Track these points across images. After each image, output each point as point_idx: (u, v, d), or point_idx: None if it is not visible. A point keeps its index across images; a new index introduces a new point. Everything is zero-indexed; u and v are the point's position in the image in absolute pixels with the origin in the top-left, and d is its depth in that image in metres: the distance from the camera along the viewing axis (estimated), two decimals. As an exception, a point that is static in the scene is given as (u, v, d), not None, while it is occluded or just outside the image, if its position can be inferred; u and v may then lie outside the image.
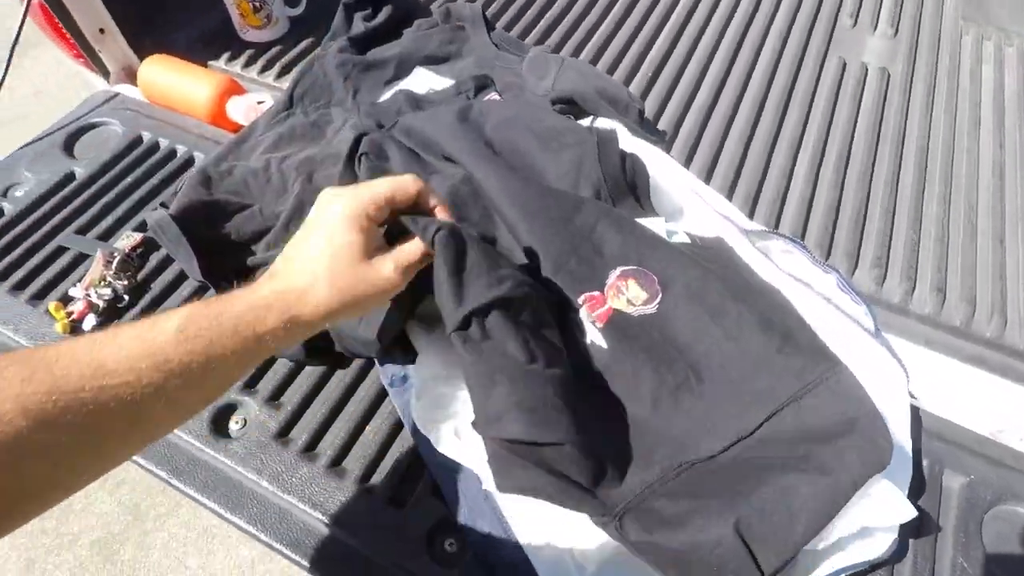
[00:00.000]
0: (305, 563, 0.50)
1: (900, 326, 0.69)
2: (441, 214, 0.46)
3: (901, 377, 0.58)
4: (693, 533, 0.43)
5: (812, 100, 0.90)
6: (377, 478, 0.54)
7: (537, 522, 0.49)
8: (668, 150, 0.81)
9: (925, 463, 0.56)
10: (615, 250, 0.56)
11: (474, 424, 0.43)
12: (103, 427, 0.33)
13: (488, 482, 0.50)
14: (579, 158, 0.61)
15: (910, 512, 0.47)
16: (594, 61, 0.93)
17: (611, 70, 0.92)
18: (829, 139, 0.85)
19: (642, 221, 0.60)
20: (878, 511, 0.46)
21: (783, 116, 0.88)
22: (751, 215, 0.77)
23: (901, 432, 0.55)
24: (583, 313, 0.54)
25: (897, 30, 1.01)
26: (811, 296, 0.60)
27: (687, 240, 0.61)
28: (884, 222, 0.77)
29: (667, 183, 0.67)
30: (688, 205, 0.67)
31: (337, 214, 0.42)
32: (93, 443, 0.33)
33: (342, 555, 0.50)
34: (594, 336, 0.53)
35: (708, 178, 0.80)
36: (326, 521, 0.52)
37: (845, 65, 0.95)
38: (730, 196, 0.78)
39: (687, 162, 0.81)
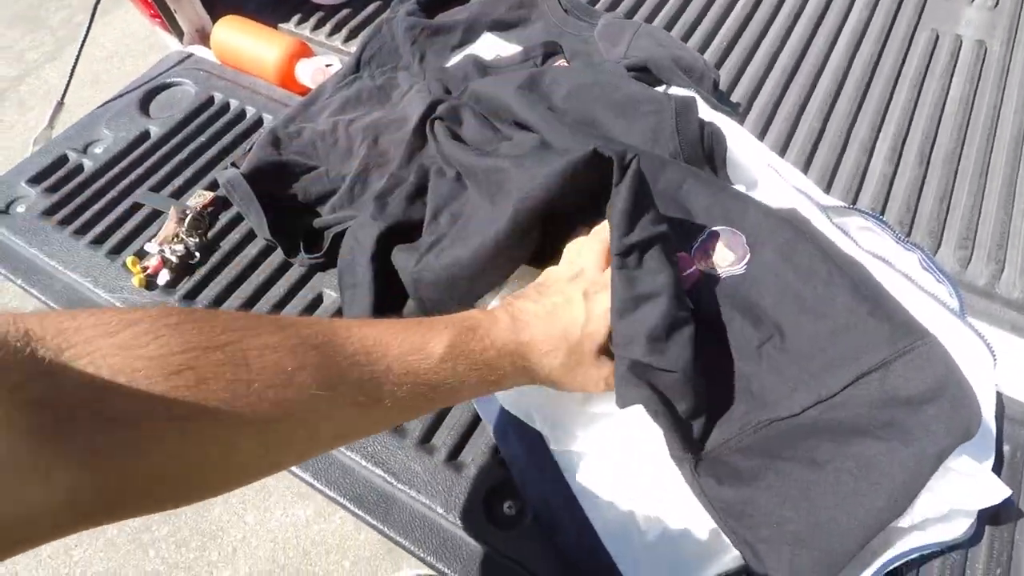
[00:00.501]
0: (368, 518, 0.51)
1: (985, 309, 0.65)
2: None
3: (987, 359, 0.54)
4: (762, 491, 0.43)
5: (899, 73, 0.85)
6: (438, 439, 0.54)
7: (600, 486, 0.48)
8: (742, 122, 0.78)
9: (1006, 449, 0.54)
10: (702, 209, 0.54)
11: (610, 343, 0.45)
12: (357, 421, 0.35)
13: (554, 441, 0.50)
14: (656, 126, 0.58)
15: (1003, 491, 0.45)
16: (668, 28, 0.89)
17: (685, 38, 0.88)
18: (916, 114, 0.80)
19: None
20: (965, 490, 0.44)
21: (867, 89, 0.83)
22: (828, 190, 0.73)
23: (986, 415, 0.52)
24: None
25: (998, 1, 0.94)
26: (892, 274, 0.57)
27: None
28: (972, 201, 0.72)
29: (742, 155, 0.65)
30: (763, 178, 0.65)
31: (599, 312, 0.45)
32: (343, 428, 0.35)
33: (403, 514, 0.51)
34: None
35: (783, 152, 0.77)
36: (387, 478, 0.52)
37: (938, 37, 0.89)
38: (806, 170, 0.75)
39: (762, 135, 0.78)
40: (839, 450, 0.43)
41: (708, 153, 0.60)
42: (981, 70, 0.85)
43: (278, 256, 0.67)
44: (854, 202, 0.73)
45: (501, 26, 0.87)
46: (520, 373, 0.42)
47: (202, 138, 0.78)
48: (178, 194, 0.72)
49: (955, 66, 0.86)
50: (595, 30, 0.81)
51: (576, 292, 0.45)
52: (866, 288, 0.50)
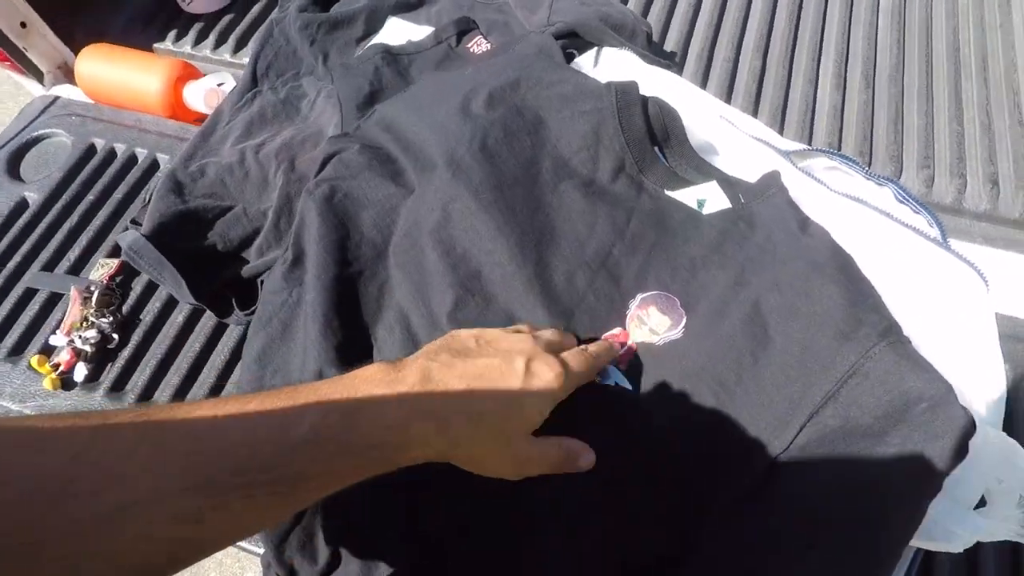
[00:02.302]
0: None
1: (956, 226, 0.64)
2: None
3: (979, 285, 0.53)
4: None
5: (826, -7, 0.81)
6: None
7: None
8: (681, 72, 0.73)
9: (1005, 368, 0.53)
10: (632, 277, 0.49)
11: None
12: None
13: None
14: (596, 126, 0.53)
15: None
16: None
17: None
18: (852, 35, 0.77)
19: (673, 194, 0.53)
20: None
21: (799, 17, 0.79)
22: (781, 131, 0.70)
23: (990, 344, 0.50)
24: None
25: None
26: (868, 213, 0.54)
27: (725, 205, 0.54)
28: (924, 118, 0.70)
29: (692, 114, 0.60)
30: (719, 135, 0.60)
31: (538, 390, 0.37)
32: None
33: None
34: (617, 378, 0.47)
35: (728, 97, 0.73)
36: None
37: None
38: (755, 112, 0.71)
39: (703, 82, 0.74)
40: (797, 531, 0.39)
41: (663, 133, 0.55)
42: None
43: (212, 316, 0.59)
44: (810, 137, 0.70)
45: (405, 7, 0.79)
46: (424, 447, 0.34)
47: (91, 196, 0.67)
48: (76, 268, 0.63)
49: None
50: (507, -2, 0.74)
51: (519, 359, 0.37)
52: (817, 301, 0.45)
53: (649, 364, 0.47)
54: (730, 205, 0.54)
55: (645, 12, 0.80)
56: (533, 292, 0.49)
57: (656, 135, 0.55)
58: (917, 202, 0.57)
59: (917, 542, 0.41)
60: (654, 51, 0.69)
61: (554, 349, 0.40)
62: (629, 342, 0.48)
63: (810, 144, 0.69)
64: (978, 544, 0.41)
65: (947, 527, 0.41)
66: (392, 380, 0.34)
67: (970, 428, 0.39)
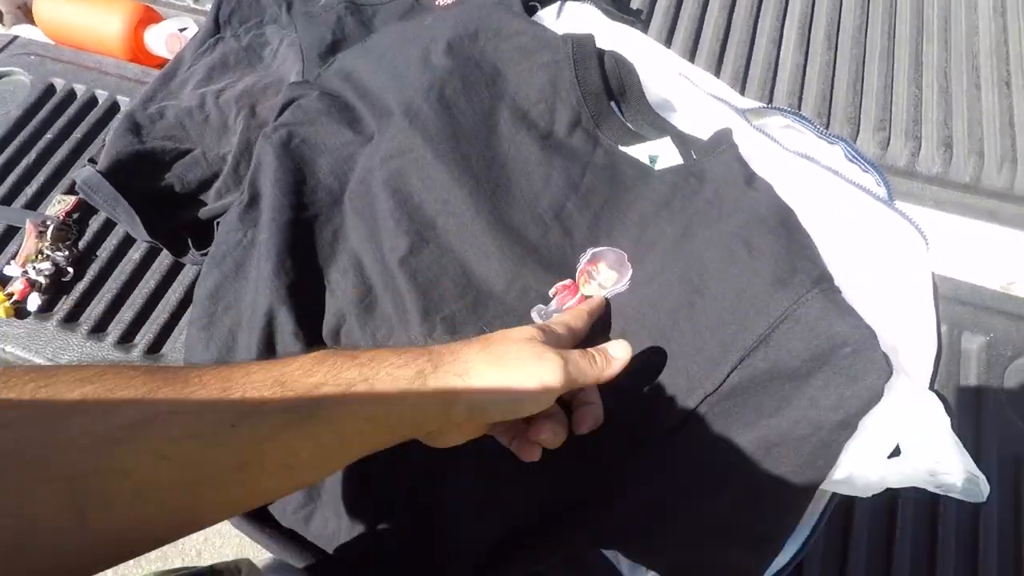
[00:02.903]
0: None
1: (908, 190, 0.66)
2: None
3: (920, 244, 0.54)
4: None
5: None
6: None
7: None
8: (646, 30, 0.73)
9: (943, 329, 0.54)
10: (584, 230, 0.51)
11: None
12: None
13: None
14: (553, 79, 0.53)
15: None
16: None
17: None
18: (817, -3, 0.78)
19: (627, 149, 0.54)
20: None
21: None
22: (743, 90, 0.70)
23: (925, 303, 0.51)
24: (554, 304, 0.49)
25: None
26: (817, 171, 0.55)
27: (677, 160, 0.54)
28: (883, 80, 0.71)
29: (651, 71, 0.60)
30: (676, 92, 0.61)
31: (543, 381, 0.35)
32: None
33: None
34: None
35: (692, 56, 0.73)
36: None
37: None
38: (718, 72, 0.72)
39: (668, 41, 0.74)
40: (721, 462, 0.40)
41: (620, 88, 0.55)
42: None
43: (168, 256, 0.60)
44: (771, 97, 0.70)
45: (372, -44, 0.78)
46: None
47: (49, 135, 0.67)
48: (34, 204, 0.63)
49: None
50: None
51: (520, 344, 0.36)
52: (760, 242, 0.46)
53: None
54: (682, 161, 0.55)
55: (615, -30, 0.80)
56: (487, 242, 0.50)
57: (613, 90, 0.55)
58: (866, 160, 0.58)
59: (829, 485, 0.42)
60: (619, 8, 0.69)
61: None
62: (579, 294, 0.50)
63: (770, 104, 0.69)
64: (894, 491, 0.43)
65: (859, 471, 0.43)
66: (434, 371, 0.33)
67: (886, 371, 0.40)
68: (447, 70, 0.53)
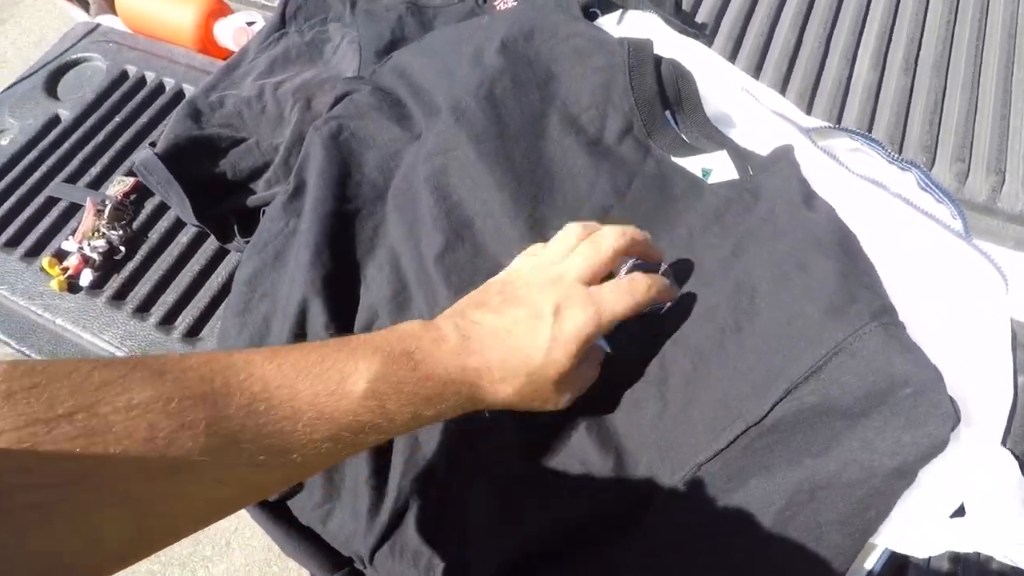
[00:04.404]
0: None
1: (987, 227, 0.61)
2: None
3: (999, 284, 0.50)
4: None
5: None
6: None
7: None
8: (710, 44, 0.71)
9: (1021, 380, 0.49)
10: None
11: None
12: (260, 481, 0.29)
13: None
14: (607, 83, 0.51)
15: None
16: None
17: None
18: (899, 13, 0.73)
19: (679, 161, 0.52)
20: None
21: (843, -6, 0.76)
22: (809, 109, 0.67)
23: (1001, 349, 0.47)
24: None
25: None
26: (887, 198, 0.52)
27: (732, 175, 0.52)
28: (966, 108, 0.66)
29: (712, 82, 0.58)
30: (738, 107, 0.58)
31: (568, 335, 0.36)
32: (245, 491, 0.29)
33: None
34: (599, 340, 0.46)
35: (758, 73, 0.70)
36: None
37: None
38: (784, 89, 0.69)
39: (733, 56, 0.71)
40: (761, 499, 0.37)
41: (676, 97, 0.53)
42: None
43: (214, 242, 0.61)
44: (839, 120, 0.66)
45: (437, -42, 0.79)
46: (465, 402, 0.35)
47: (118, 118, 0.70)
48: (96, 183, 0.65)
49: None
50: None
51: (547, 305, 0.36)
52: (816, 266, 0.43)
53: (631, 327, 0.46)
54: (737, 176, 0.52)
55: (683, -19, 0.78)
56: (523, 246, 0.48)
57: (668, 98, 0.53)
58: (941, 191, 0.54)
59: (881, 540, 0.39)
60: (684, 20, 0.67)
61: (592, 277, 0.38)
62: None
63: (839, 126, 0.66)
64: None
65: (916, 528, 0.39)
66: (436, 338, 0.35)
67: (952, 418, 0.37)
68: (498, 69, 0.53)
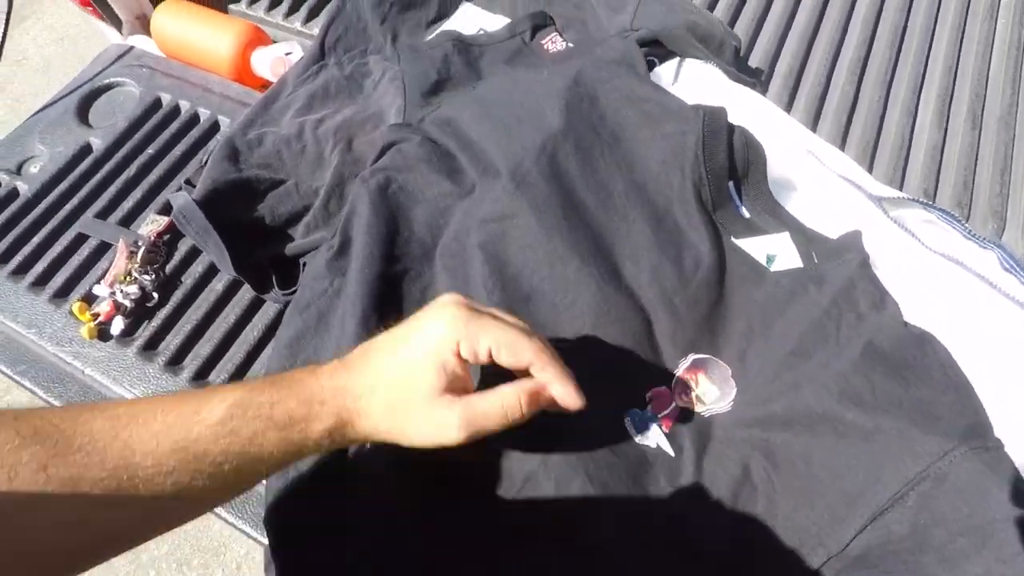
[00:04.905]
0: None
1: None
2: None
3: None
4: None
5: (936, 19, 0.74)
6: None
7: None
8: (765, 92, 0.68)
9: None
10: (687, 332, 0.46)
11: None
12: (114, 522, 0.29)
13: None
14: (678, 153, 0.49)
15: None
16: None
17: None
18: (959, 69, 0.70)
19: (741, 243, 0.49)
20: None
21: (901, 42, 0.73)
22: (870, 167, 0.64)
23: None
24: (649, 411, 0.45)
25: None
26: (968, 279, 0.49)
27: (796, 263, 0.49)
28: (1036, 172, 0.63)
29: (776, 144, 0.55)
30: (802, 171, 0.55)
31: (430, 341, 0.34)
32: (101, 534, 0.29)
33: None
34: (658, 439, 0.43)
35: (815, 124, 0.67)
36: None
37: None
38: (843, 144, 0.66)
39: (788, 105, 0.68)
40: None
41: (744, 169, 0.50)
42: (1032, 10, 0.75)
43: (250, 290, 0.58)
44: (902, 179, 0.64)
45: (482, -7, 0.76)
46: (339, 427, 0.33)
47: (150, 150, 0.68)
48: (128, 220, 0.63)
49: (998, 6, 0.75)
50: (589, -9, 0.70)
51: (426, 311, 0.36)
52: (891, 380, 0.40)
53: (693, 432, 0.44)
54: (801, 264, 0.50)
55: (733, 22, 0.75)
56: (583, 329, 0.46)
57: (736, 168, 0.51)
58: (1024, 271, 0.51)
59: None
60: (741, 68, 0.65)
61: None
62: (672, 404, 0.45)
63: (902, 187, 0.63)
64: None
65: None
66: (313, 368, 0.35)
67: None
68: (561, 132, 0.50)
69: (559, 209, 0.48)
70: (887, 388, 0.40)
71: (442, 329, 0.34)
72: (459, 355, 0.34)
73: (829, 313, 0.45)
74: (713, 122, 0.49)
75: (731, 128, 0.50)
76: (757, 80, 0.66)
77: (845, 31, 0.74)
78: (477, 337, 0.34)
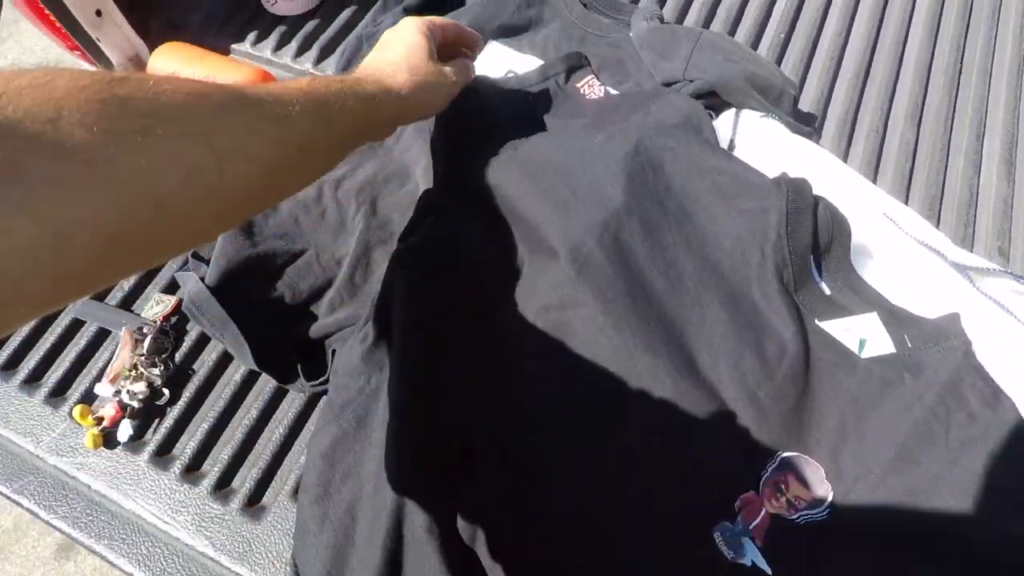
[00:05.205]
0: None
1: None
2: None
3: None
4: None
5: (993, 57, 0.70)
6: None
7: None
8: (819, 139, 0.63)
9: None
10: (774, 430, 0.41)
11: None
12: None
13: None
14: (760, 230, 0.44)
15: None
16: (707, 21, 0.73)
17: (731, 30, 0.72)
18: (1021, 112, 0.66)
19: (825, 325, 0.44)
20: None
21: (958, 82, 0.68)
22: (938, 223, 0.60)
23: None
24: (740, 523, 0.40)
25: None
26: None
27: (888, 348, 0.44)
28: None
29: (851, 208, 0.50)
30: (878, 238, 0.51)
31: (407, 24, 0.48)
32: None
33: None
34: (753, 556, 0.39)
35: (875, 175, 0.63)
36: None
37: (1031, 3, 0.74)
38: (906, 198, 0.61)
39: (845, 154, 0.64)
40: None
41: (827, 244, 0.46)
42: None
43: (272, 379, 0.52)
44: (972, 238, 0.59)
45: (509, 32, 0.71)
46: (385, 95, 0.42)
47: (152, 216, 0.61)
48: (128, 302, 0.57)
49: (1054, 38, 0.71)
50: (633, 33, 0.65)
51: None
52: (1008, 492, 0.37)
53: (790, 544, 0.39)
54: (894, 349, 0.45)
55: (779, 59, 0.70)
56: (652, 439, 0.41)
57: (819, 245, 0.46)
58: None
59: None
60: (798, 117, 0.60)
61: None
62: (762, 511, 0.40)
63: (973, 246, 0.59)
64: None
65: None
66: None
67: None
68: (625, 207, 0.45)
69: (626, 296, 0.43)
70: (1008, 501, 0.36)
71: (411, 23, 0.48)
72: (431, 29, 0.49)
73: (936, 412, 0.41)
74: (798, 198, 0.44)
75: (816, 201, 0.45)
76: (813, 128, 0.61)
77: (898, 73, 0.69)
78: (434, 22, 0.50)
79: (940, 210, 0.61)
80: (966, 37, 0.72)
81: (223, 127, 0.29)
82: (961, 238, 0.59)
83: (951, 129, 0.65)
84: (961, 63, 0.70)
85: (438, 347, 0.45)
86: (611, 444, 0.41)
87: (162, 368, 0.52)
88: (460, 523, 0.41)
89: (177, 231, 0.28)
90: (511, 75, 0.67)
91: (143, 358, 0.51)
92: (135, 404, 0.50)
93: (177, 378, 0.52)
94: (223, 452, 0.49)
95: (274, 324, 0.52)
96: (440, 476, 0.41)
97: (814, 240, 0.45)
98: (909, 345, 0.45)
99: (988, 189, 0.62)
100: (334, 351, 0.51)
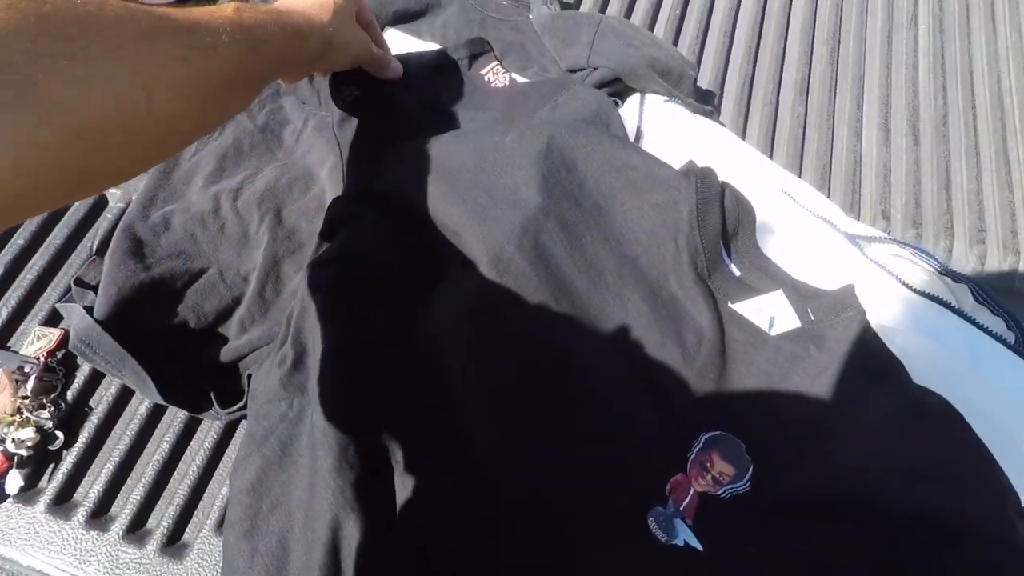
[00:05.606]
0: None
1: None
2: None
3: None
4: None
5: (866, 21, 0.75)
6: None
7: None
8: (719, 115, 0.65)
9: None
10: (698, 412, 0.43)
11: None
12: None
13: None
14: (671, 222, 0.45)
15: None
16: (603, 4, 0.73)
17: (627, 11, 0.73)
18: (892, 78, 0.71)
19: (736, 307, 0.46)
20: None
21: (839, 51, 0.73)
22: (828, 192, 0.64)
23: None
24: (671, 506, 0.41)
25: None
26: (955, 321, 0.49)
27: (793, 323, 0.47)
28: (973, 182, 0.65)
29: (752, 187, 0.52)
30: (779, 215, 0.53)
31: None
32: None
33: None
34: (685, 535, 0.40)
35: (771, 149, 0.66)
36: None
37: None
38: (800, 170, 0.65)
39: (743, 129, 0.66)
40: None
41: (734, 229, 0.47)
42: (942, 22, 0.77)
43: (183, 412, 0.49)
44: (859, 203, 0.64)
45: (406, 17, 0.68)
46: (311, 30, 0.42)
47: (21, 240, 0.55)
48: (3, 338, 0.51)
49: (916, 13, 0.77)
50: (533, 18, 0.64)
51: None
52: (915, 463, 0.40)
53: (719, 520, 0.41)
54: (799, 324, 0.47)
55: (674, 39, 0.72)
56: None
57: (728, 230, 0.47)
58: (995, 302, 0.52)
59: None
60: (699, 97, 0.61)
61: None
62: (691, 491, 0.42)
63: (859, 214, 0.63)
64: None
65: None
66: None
67: None
68: (542, 209, 0.44)
69: (551, 298, 0.43)
70: (921, 463, 0.39)
71: None
72: None
73: (841, 382, 0.44)
74: (706, 188, 0.45)
75: (722, 189, 0.47)
76: (713, 107, 0.63)
77: (785, 42, 0.72)
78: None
79: (830, 179, 0.65)
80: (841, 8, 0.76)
81: (149, 54, 0.28)
82: (849, 204, 0.63)
83: (834, 99, 0.69)
84: (839, 31, 0.74)
85: (362, 366, 0.44)
86: (546, 442, 0.41)
87: (52, 409, 0.47)
88: (398, 537, 0.40)
89: (101, 163, 0.27)
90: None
91: (27, 400, 0.46)
92: (23, 452, 0.45)
93: (71, 418, 0.48)
94: (134, 492, 0.46)
95: (180, 352, 0.48)
96: (376, 496, 0.40)
97: (723, 227, 0.46)
98: (812, 318, 0.48)
99: (870, 156, 0.66)
100: (250, 375, 0.48)
